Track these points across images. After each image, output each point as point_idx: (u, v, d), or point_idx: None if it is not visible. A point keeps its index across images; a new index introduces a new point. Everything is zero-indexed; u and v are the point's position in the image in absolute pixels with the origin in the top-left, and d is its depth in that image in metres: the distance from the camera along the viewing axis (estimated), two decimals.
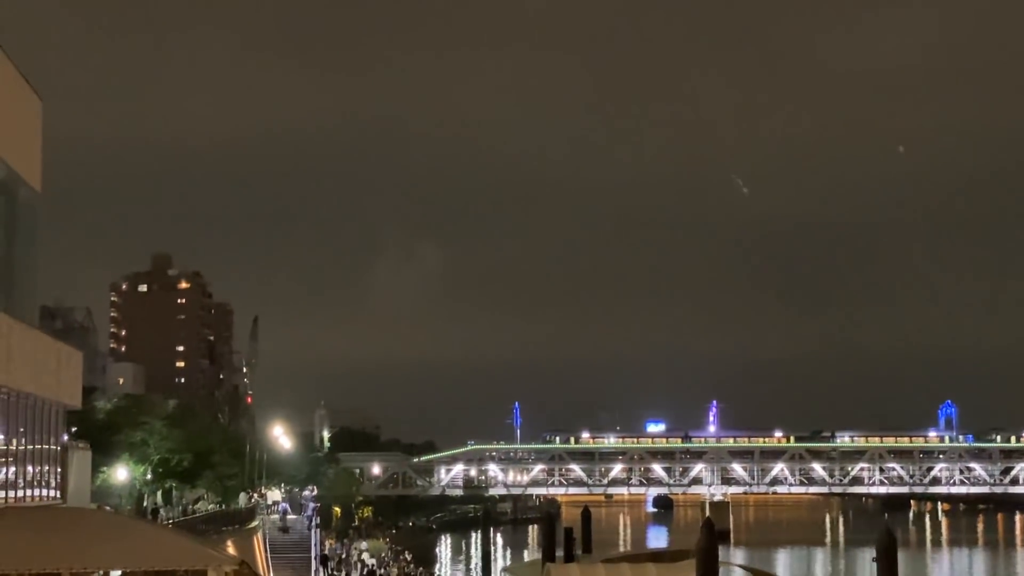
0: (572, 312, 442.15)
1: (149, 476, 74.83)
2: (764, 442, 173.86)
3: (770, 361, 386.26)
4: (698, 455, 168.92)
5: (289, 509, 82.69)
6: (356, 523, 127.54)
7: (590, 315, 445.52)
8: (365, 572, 76.36)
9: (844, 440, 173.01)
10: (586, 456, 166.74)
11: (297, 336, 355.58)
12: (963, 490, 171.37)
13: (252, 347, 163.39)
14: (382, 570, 78.39)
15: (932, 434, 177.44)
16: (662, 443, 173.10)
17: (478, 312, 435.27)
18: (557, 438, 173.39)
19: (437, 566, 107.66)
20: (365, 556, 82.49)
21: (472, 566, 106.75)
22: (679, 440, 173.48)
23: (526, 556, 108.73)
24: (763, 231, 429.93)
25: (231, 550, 45.40)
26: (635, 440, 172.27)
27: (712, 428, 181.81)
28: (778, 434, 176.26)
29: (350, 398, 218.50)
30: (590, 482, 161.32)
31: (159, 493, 78.91)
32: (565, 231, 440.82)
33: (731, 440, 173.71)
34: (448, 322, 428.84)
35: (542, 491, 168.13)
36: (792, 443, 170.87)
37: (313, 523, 73.66)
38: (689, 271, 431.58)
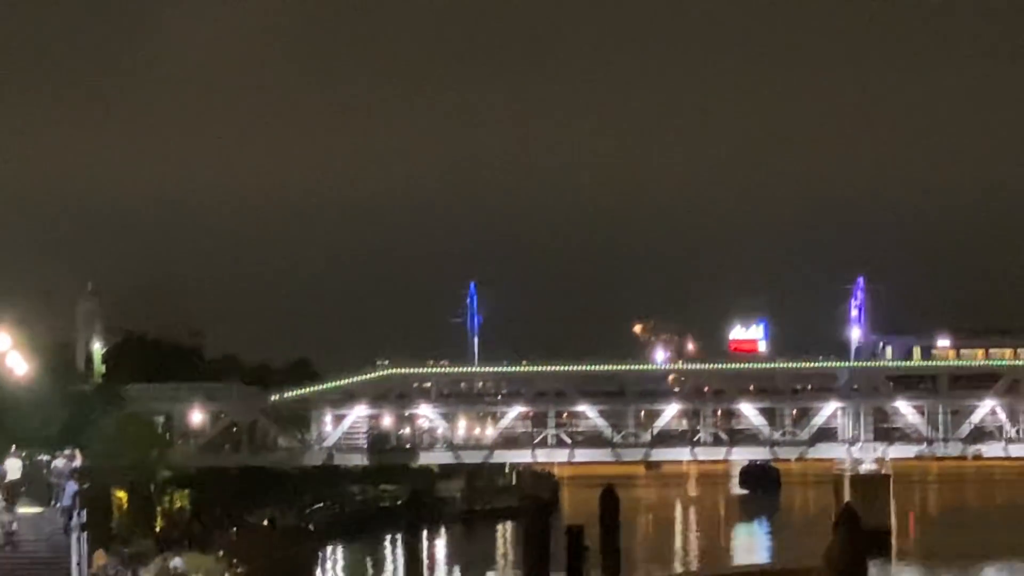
0: (573, 102, 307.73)
1: None
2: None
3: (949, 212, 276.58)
4: (826, 382, 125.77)
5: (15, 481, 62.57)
6: (159, 521, 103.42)
7: (612, 110, 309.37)
8: None
9: None
10: (608, 389, 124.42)
11: (29, 148, 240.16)
12: None
13: None
14: None
15: None
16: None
17: (381, 99, 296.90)
18: (888, 347, 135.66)
19: None
20: None
21: None
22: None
23: None
24: None
25: None
26: None
27: (856, 332, 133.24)
28: None
29: (143, 275, 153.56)
30: (617, 439, 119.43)
31: None
32: None
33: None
34: (323, 118, 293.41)
35: (524, 457, 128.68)
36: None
37: (75, 521, 58.79)
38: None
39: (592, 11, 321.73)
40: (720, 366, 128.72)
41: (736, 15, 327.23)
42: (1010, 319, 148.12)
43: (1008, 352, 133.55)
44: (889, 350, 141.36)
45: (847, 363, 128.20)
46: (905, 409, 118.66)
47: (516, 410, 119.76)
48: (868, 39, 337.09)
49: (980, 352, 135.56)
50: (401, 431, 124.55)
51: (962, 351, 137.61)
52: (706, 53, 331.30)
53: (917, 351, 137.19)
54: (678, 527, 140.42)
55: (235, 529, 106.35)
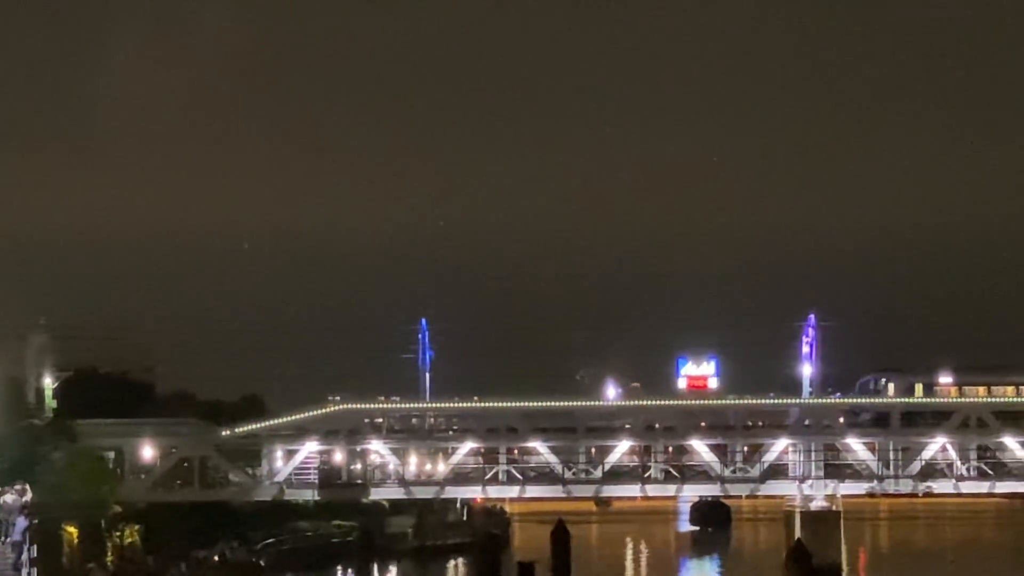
0: (525, 146, 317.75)
1: None
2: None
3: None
4: (778, 419, 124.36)
5: None
6: (110, 557, 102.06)
7: (566, 153, 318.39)
8: None
9: None
10: (559, 425, 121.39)
11: None
12: None
13: None
14: None
15: None
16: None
17: (333, 137, 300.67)
18: (890, 384, 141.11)
19: None
20: None
21: None
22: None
23: None
24: None
25: None
26: None
27: (808, 368, 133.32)
28: None
29: (95, 310, 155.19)
30: (569, 475, 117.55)
31: None
32: None
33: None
34: (275, 155, 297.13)
35: (475, 493, 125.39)
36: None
37: (25, 557, 59.65)
38: None
39: (558, 62, 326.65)
40: (672, 403, 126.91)
41: (681, 63, 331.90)
42: (1014, 356, 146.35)
43: (1010, 389, 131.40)
44: (892, 387, 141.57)
45: (798, 400, 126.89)
46: (856, 446, 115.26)
47: (467, 446, 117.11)
48: (820, 79, 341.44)
49: (982, 389, 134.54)
50: (352, 467, 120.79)
51: (964, 388, 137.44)
52: (652, 102, 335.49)
53: (919, 388, 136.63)
54: (629, 564, 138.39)
55: (186, 564, 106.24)
